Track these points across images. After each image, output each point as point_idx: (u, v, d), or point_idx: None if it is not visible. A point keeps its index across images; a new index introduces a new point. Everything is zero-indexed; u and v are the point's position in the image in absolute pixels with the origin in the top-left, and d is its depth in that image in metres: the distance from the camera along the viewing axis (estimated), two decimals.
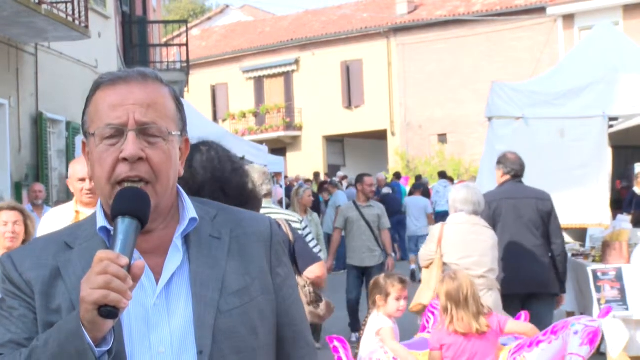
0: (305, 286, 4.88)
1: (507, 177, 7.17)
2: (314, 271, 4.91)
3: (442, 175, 22.90)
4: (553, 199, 7.15)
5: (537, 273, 6.87)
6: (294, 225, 5.42)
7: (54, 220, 4.79)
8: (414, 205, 17.24)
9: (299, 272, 4.86)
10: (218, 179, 3.36)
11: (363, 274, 10.39)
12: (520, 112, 7.93)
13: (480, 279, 6.09)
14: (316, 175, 26.56)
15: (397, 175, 24.26)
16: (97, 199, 4.34)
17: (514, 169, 7.13)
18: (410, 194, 19.08)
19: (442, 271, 6.30)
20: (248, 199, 3.33)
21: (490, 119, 8.07)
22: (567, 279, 7.19)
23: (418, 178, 23.72)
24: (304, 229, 6.01)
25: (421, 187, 19.71)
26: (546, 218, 6.99)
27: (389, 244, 10.60)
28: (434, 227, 6.78)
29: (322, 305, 4.95)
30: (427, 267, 6.56)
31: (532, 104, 8.02)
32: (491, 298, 6.10)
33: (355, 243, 10.41)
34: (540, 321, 6.26)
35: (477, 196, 6.45)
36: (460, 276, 5.32)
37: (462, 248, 6.30)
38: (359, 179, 10.72)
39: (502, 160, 7.22)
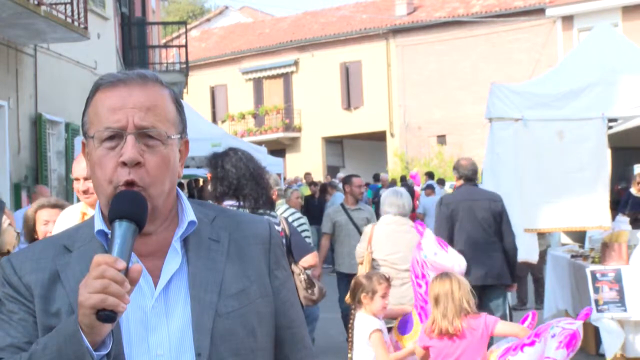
0: (300, 274, 5.56)
1: (461, 181, 8.04)
2: (307, 260, 5.73)
3: (430, 175, 22.90)
4: (552, 201, 7.53)
5: (491, 267, 7.48)
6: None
7: (64, 221, 4.76)
8: (433, 205, 17.16)
9: (295, 262, 5.59)
10: (251, 173, 4.39)
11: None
12: (519, 113, 7.92)
13: (406, 272, 6.85)
14: (307, 175, 24.65)
15: (403, 179, 24.17)
16: (94, 199, 4.32)
17: (465, 174, 7.94)
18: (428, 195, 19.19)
19: (370, 267, 7.23)
20: (271, 188, 4.46)
21: (490, 120, 8.07)
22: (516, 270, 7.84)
23: (430, 175, 23.55)
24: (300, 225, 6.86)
25: (433, 187, 19.77)
26: (498, 217, 7.67)
27: None
28: (367, 227, 7.71)
29: (315, 290, 5.60)
30: (361, 263, 7.47)
31: (531, 105, 8.01)
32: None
33: (344, 248, 9.55)
34: (496, 309, 7.24)
35: (402, 200, 7.39)
36: (449, 278, 5.32)
37: (389, 245, 7.24)
38: (347, 180, 10.17)
39: (456, 166, 8.07)
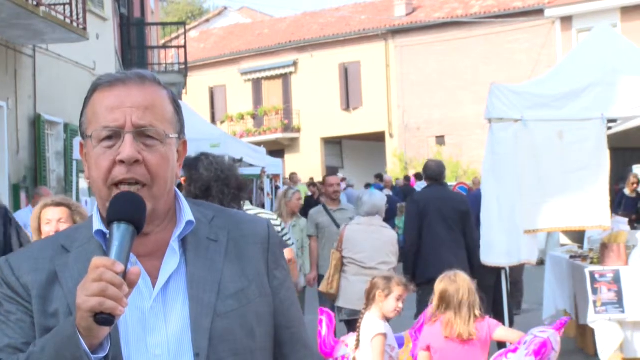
0: None
1: (428, 181, 8.75)
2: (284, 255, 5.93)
3: (418, 177, 22.90)
4: (552, 201, 7.67)
5: (454, 263, 7.64)
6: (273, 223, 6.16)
7: None
8: None
9: None
10: (219, 177, 4.67)
11: None
12: (519, 114, 7.91)
13: (371, 269, 7.30)
14: (292, 176, 24.30)
15: (407, 178, 24.19)
16: None
17: (430, 175, 8.65)
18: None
19: (336, 266, 7.69)
20: (242, 187, 4.82)
21: (489, 121, 8.06)
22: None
23: (418, 177, 23.57)
24: (282, 230, 6.87)
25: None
26: (464, 217, 8.25)
27: None
28: (342, 227, 8.08)
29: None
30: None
31: (531, 106, 8.00)
32: None
33: (326, 251, 9.02)
34: None
35: (372, 201, 7.76)
36: (460, 279, 5.30)
37: (357, 244, 7.62)
38: (324, 179, 10.22)
39: (424, 168, 8.82)
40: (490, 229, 7.91)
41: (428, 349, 5.27)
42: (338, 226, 9.08)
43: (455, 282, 5.25)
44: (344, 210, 9.56)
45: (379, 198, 7.95)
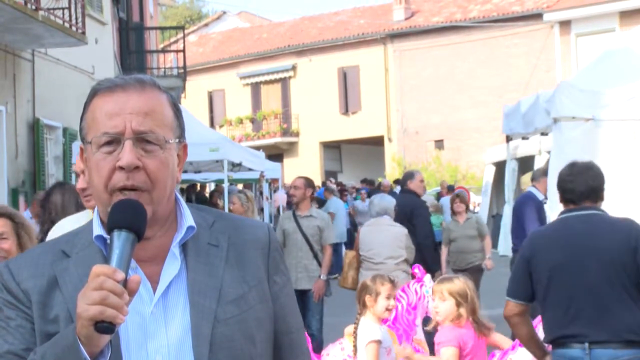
0: None
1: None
2: None
3: (397, 181, 22.87)
4: (627, 207, 6.98)
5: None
6: None
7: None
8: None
9: None
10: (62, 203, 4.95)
11: (301, 299, 8.14)
12: (590, 113, 7.52)
13: (380, 264, 8.13)
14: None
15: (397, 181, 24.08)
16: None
17: (399, 179, 10.11)
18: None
19: (353, 262, 8.59)
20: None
21: (556, 120, 7.68)
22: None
23: (450, 189, 23.42)
24: None
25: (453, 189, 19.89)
26: (409, 214, 9.01)
27: (327, 264, 8.73)
28: (359, 229, 9.17)
29: None
30: None
31: (603, 105, 7.58)
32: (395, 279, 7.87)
33: (290, 260, 8.40)
34: None
35: (381, 203, 8.62)
36: (460, 280, 5.27)
37: (367, 243, 8.44)
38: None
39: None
40: None
41: (459, 346, 5.09)
42: (304, 234, 8.66)
43: (457, 281, 5.21)
44: (312, 218, 8.80)
45: (388, 200, 8.72)
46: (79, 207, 4.59)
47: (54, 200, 5.02)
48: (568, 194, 4.42)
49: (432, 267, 8.66)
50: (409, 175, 9.82)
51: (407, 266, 8.11)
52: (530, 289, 4.33)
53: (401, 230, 8.43)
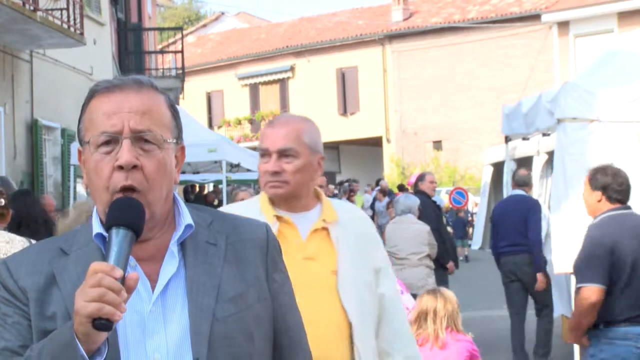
0: None
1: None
2: None
3: (401, 188, 22.93)
4: (632, 208, 7.11)
5: None
6: None
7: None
8: None
9: None
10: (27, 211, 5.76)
11: None
12: (594, 114, 7.50)
13: (403, 260, 8.80)
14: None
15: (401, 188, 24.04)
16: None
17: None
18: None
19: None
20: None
21: (560, 121, 7.66)
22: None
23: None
24: None
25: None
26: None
27: None
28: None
29: None
30: None
31: (607, 106, 7.56)
32: (419, 273, 8.78)
33: None
34: None
35: (406, 203, 9.25)
36: (443, 296, 5.17)
37: (392, 239, 9.06)
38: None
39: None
40: (561, 234, 7.57)
41: None
42: None
43: (436, 299, 5.11)
44: None
45: (412, 200, 9.35)
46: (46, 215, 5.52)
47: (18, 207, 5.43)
48: (621, 195, 5.10)
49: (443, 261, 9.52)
50: (420, 177, 10.41)
51: (429, 261, 8.99)
52: (609, 274, 4.83)
53: (424, 228, 9.03)
